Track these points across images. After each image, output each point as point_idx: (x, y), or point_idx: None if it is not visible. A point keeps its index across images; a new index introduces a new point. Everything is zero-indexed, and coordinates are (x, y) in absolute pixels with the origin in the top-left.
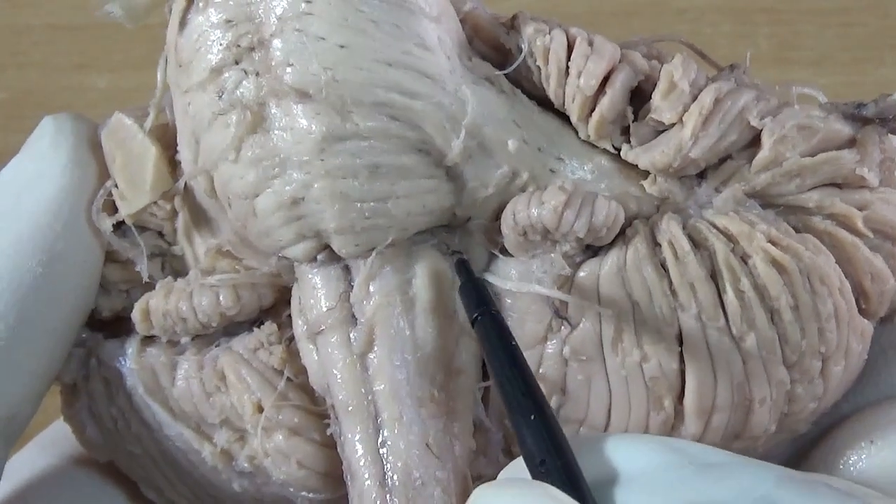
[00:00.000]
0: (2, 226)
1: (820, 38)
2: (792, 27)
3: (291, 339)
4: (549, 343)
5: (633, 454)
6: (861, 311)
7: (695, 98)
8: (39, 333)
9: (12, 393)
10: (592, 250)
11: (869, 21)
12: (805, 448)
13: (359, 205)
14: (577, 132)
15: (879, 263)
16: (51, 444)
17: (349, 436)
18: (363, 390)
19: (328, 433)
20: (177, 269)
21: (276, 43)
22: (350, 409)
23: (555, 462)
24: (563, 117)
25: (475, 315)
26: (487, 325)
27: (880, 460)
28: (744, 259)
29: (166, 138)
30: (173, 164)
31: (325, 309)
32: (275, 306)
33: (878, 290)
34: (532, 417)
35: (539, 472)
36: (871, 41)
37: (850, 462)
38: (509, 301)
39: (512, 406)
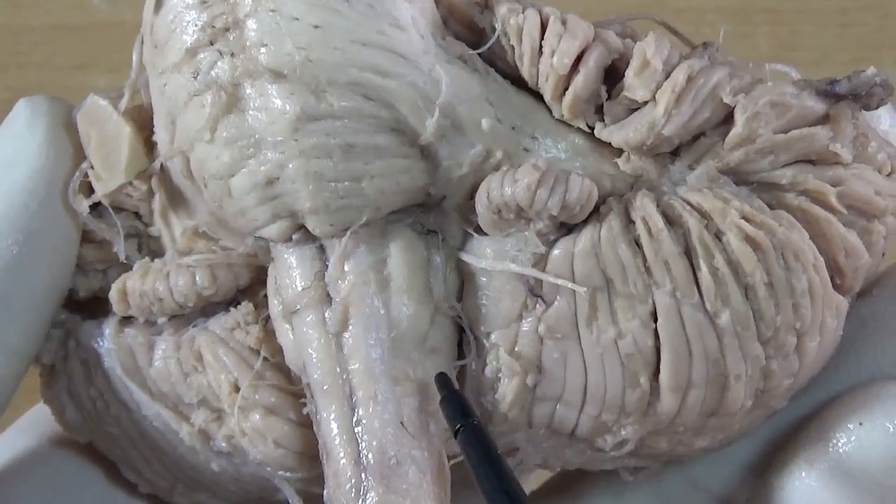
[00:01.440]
0: None
1: (820, 38)
2: (792, 27)
3: (268, 319)
4: (524, 321)
5: None
6: (836, 287)
7: (668, 76)
8: (17, 313)
9: None
10: (566, 228)
11: (869, 21)
12: (791, 428)
13: (333, 184)
14: (550, 111)
15: (853, 239)
16: (30, 426)
17: (324, 415)
18: (338, 369)
19: (304, 412)
20: (154, 249)
21: (251, 23)
22: (325, 388)
23: None
24: (537, 96)
25: (458, 427)
26: (470, 437)
27: (870, 442)
28: (717, 236)
29: (141, 119)
30: (149, 145)
31: (300, 288)
32: (251, 286)
33: (852, 265)
34: None
35: None
36: (871, 41)
37: (840, 444)
38: (484, 279)
39: None
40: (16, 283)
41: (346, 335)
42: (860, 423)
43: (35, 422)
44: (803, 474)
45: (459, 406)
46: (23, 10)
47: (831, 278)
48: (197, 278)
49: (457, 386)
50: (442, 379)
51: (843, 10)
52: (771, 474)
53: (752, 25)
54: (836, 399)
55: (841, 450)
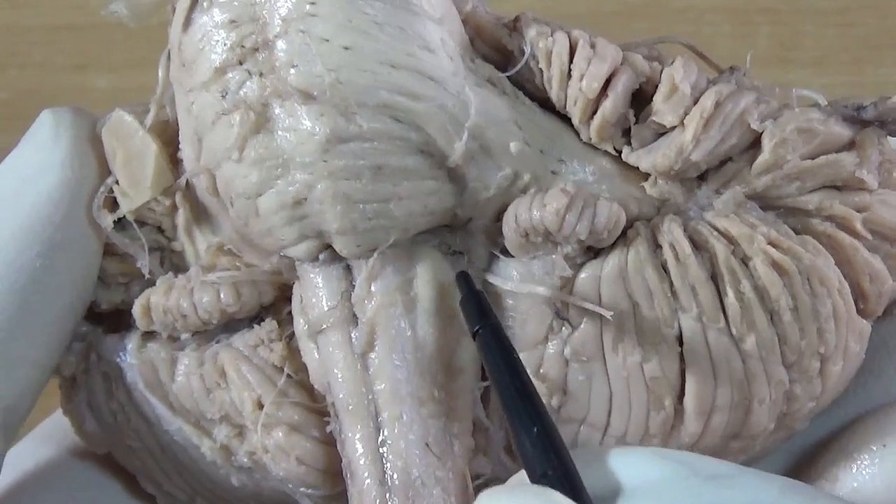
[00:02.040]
0: (1, 217)
1: (820, 38)
2: (792, 27)
3: (291, 336)
4: (550, 343)
5: (635, 467)
6: (859, 312)
7: (696, 101)
8: (39, 325)
9: (12, 384)
10: (593, 252)
11: (869, 21)
12: (813, 449)
13: (361, 206)
14: (578, 134)
15: (878, 264)
16: (49, 436)
17: (349, 434)
18: (364, 389)
19: (328, 430)
20: (177, 264)
21: (281, 44)
22: (350, 407)
23: (557, 474)
24: (565, 119)
25: (476, 328)
26: (489, 338)
27: (892, 464)
28: (744, 261)
29: (167, 135)
30: (174, 161)
31: (326, 308)
32: (275, 303)
33: (876, 290)
34: (534, 430)
35: (541, 484)
36: (871, 41)
37: (863, 466)
38: (511, 302)
39: (514, 418)
40: (39, 295)
41: (372, 355)
42: (884, 445)
43: (53, 432)
44: None
45: (479, 307)
46: (23, 10)
47: (855, 303)
48: (221, 295)
49: (479, 279)
50: (463, 278)
51: (844, 10)
52: None
53: (752, 25)
54: (859, 421)
55: (864, 472)
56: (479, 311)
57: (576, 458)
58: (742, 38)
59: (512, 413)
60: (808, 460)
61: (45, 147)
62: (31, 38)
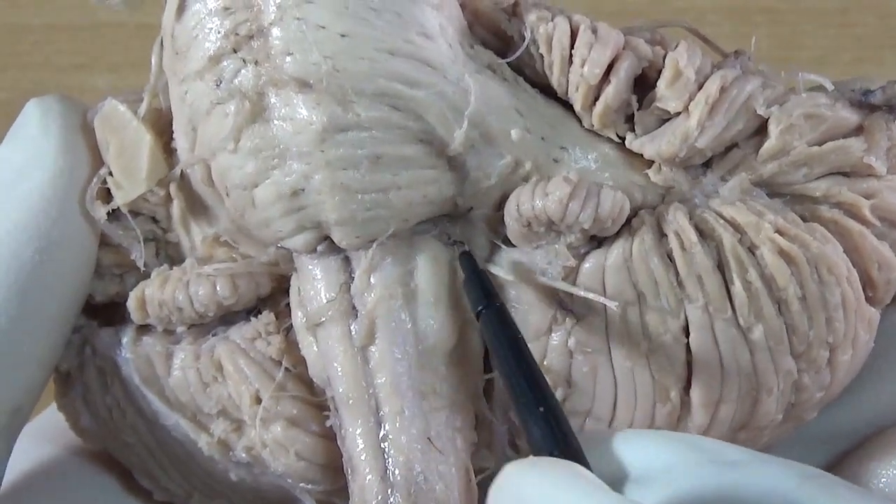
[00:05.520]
0: None
1: (820, 38)
2: (792, 27)
3: (289, 328)
4: (553, 335)
5: (645, 450)
6: (868, 300)
7: (700, 86)
8: (41, 322)
9: (17, 384)
10: (597, 241)
11: (869, 21)
12: (828, 442)
13: (360, 196)
14: (580, 121)
15: (886, 252)
16: (44, 432)
17: (350, 429)
18: (364, 383)
19: (327, 424)
20: (172, 255)
21: (276, 31)
22: (350, 402)
23: (564, 456)
24: (567, 106)
25: (480, 308)
26: (493, 319)
27: None
28: (751, 250)
29: (160, 124)
30: (168, 151)
31: (325, 300)
32: (272, 295)
33: (884, 278)
34: (539, 410)
35: None
36: (871, 41)
37: (881, 483)
38: (513, 292)
39: (518, 400)
40: (39, 292)
41: (373, 349)
42: None
43: (47, 428)
44: None
45: (483, 288)
46: (23, 10)
47: (863, 291)
48: (217, 287)
49: (482, 266)
50: (466, 259)
51: (844, 10)
52: None
53: (753, 25)
54: (879, 434)
55: (886, 490)
56: (484, 292)
57: (582, 440)
58: (742, 38)
59: (516, 394)
60: (831, 465)
61: (32, 140)
62: (31, 38)
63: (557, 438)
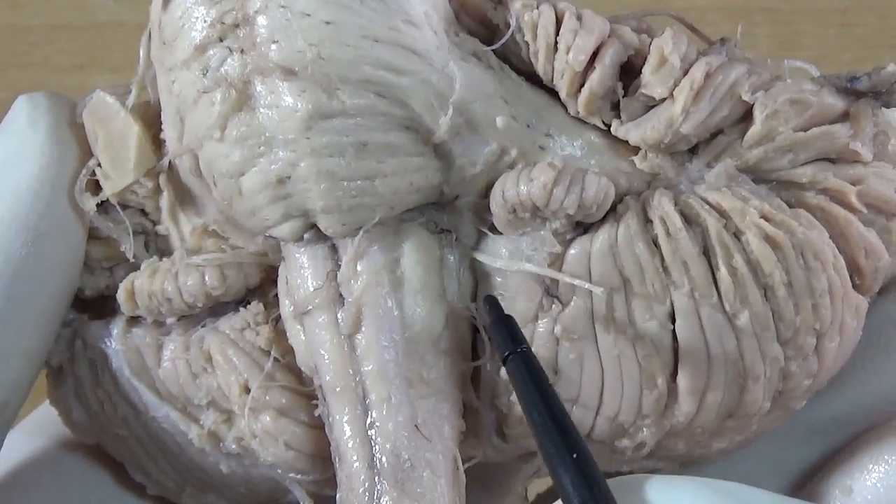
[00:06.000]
0: None
1: (820, 38)
2: (792, 27)
3: (278, 318)
4: (540, 322)
5: (681, 502)
6: (855, 287)
7: (685, 72)
8: (28, 316)
9: (5, 377)
10: (583, 227)
11: (869, 21)
12: (828, 428)
13: (345, 183)
14: (566, 108)
15: (873, 238)
16: (37, 427)
17: (337, 417)
18: (351, 371)
19: (316, 414)
20: (161, 247)
21: (261, 20)
22: (338, 389)
23: None
24: (552, 93)
25: (507, 354)
26: (520, 365)
27: None
28: (736, 235)
29: (149, 115)
30: (157, 142)
31: (311, 289)
32: (261, 286)
33: (872, 265)
34: (569, 457)
35: None
36: (871, 41)
37: (879, 478)
38: (500, 279)
39: (547, 446)
40: (27, 285)
41: (359, 336)
42: None
43: (41, 423)
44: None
45: (509, 332)
46: (23, 10)
47: (851, 278)
48: (206, 278)
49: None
50: (491, 302)
51: (844, 10)
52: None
53: (753, 25)
54: (872, 430)
55: (880, 486)
56: (511, 337)
57: (614, 488)
58: (742, 37)
59: (545, 441)
60: (822, 462)
61: (21, 134)
62: (31, 38)
63: (589, 486)
